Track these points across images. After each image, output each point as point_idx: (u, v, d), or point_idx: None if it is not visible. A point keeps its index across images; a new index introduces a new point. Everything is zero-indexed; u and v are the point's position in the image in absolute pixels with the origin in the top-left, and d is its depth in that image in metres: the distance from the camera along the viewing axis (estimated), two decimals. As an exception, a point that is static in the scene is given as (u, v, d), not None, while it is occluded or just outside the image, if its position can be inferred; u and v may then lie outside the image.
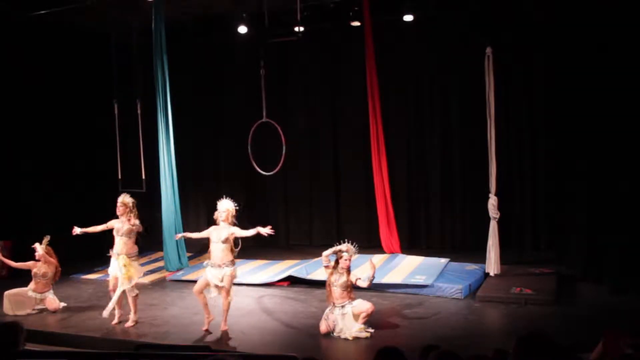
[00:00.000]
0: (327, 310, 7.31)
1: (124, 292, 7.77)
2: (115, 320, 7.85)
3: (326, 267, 7.40)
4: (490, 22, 10.42)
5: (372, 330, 7.16)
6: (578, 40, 9.18)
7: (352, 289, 7.29)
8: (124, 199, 7.86)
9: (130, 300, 7.81)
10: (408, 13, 10.61)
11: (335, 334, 7.13)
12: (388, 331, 7.32)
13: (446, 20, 11.11)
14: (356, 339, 7.03)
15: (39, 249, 8.55)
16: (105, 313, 7.76)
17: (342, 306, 7.18)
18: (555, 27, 9.96)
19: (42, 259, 8.56)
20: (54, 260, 8.67)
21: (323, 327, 7.22)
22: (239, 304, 8.13)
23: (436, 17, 11.01)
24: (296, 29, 9.97)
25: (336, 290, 7.23)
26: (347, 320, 7.13)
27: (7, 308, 8.34)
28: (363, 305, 7.19)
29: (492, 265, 9.23)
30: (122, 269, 7.69)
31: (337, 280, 7.23)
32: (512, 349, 3.21)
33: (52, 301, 8.58)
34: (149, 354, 4.78)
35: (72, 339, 7.43)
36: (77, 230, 7.87)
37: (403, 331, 7.35)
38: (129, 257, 7.75)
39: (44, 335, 7.48)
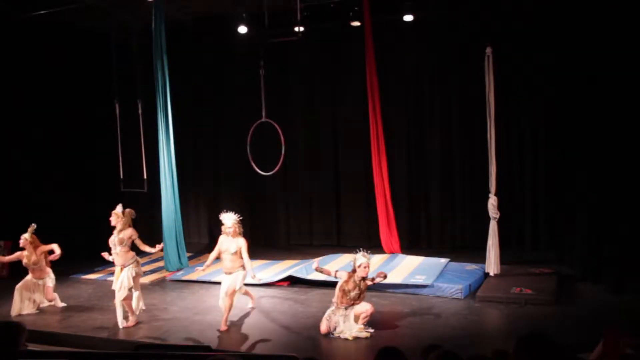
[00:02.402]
0: (328, 311, 7.32)
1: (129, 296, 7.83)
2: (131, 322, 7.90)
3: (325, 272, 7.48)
4: (490, 22, 10.42)
5: (372, 330, 7.17)
6: (578, 40, 9.18)
7: (363, 299, 7.31)
8: (117, 209, 7.93)
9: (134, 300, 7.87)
10: (408, 13, 10.63)
11: (335, 334, 7.14)
12: (388, 331, 7.33)
13: (446, 20, 11.11)
14: (356, 339, 7.04)
15: (23, 238, 8.54)
16: (121, 323, 7.81)
17: (345, 308, 7.21)
18: (555, 27, 9.96)
19: (26, 246, 8.54)
20: (39, 245, 8.58)
21: (324, 327, 7.22)
22: (239, 304, 8.13)
23: (436, 16, 11.00)
24: (296, 29, 9.97)
25: (345, 299, 7.23)
26: (348, 321, 7.16)
27: (16, 303, 8.38)
28: (364, 306, 7.22)
29: (492, 265, 9.24)
30: (129, 279, 7.73)
31: (351, 292, 7.20)
32: (512, 349, 3.21)
33: (49, 290, 8.59)
34: (149, 354, 4.78)
35: (72, 339, 7.43)
36: (108, 257, 7.89)
37: (403, 331, 7.36)
38: (129, 265, 7.78)
39: (44, 335, 7.47)
